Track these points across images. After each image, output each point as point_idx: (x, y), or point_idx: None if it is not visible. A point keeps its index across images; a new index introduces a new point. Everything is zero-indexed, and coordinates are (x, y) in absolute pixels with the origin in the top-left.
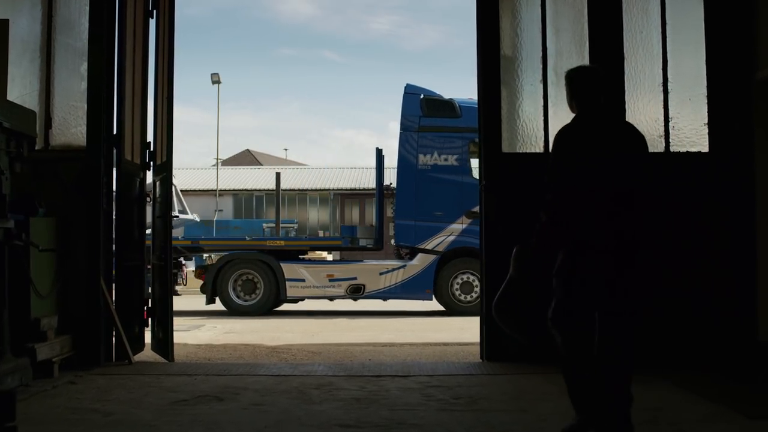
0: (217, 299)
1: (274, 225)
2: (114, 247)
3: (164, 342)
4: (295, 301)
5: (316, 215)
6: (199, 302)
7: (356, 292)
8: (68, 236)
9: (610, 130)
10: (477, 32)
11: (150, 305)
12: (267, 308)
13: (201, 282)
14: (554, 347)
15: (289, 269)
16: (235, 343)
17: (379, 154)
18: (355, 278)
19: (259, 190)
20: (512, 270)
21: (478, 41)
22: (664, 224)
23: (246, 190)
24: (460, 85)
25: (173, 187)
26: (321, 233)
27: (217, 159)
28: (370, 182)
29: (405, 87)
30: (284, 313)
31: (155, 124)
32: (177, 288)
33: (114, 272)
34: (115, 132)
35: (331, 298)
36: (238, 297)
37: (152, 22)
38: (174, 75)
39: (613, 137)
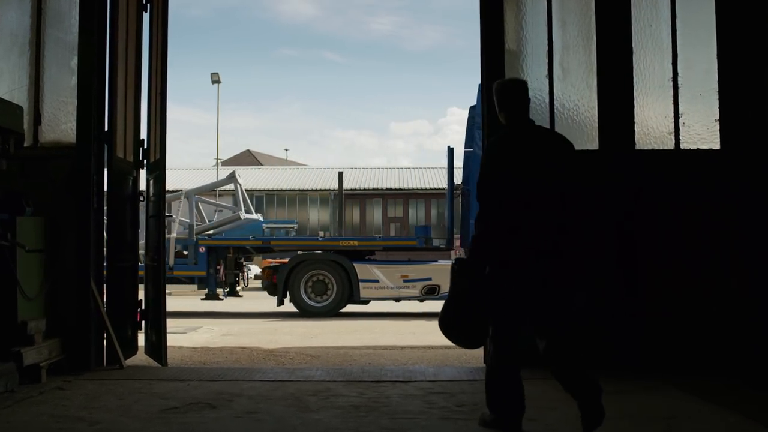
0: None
1: (274, 225)
2: (105, 248)
3: (157, 345)
4: (366, 302)
5: (316, 215)
6: (199, 303)
7: (431, 293)
8: (57, 236)
9: (539, 140)
10: (480, 25)
11: (144, 307)
12: (338, 309)
13: (266, 283)
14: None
15: (362, 270)
16: (231, 346)
17: (451, 153)
18: (429, 279)
19: (259, 190)
20: (451, 285)
21: (482, 35)
22: (674, 224)
23: (246, 190)
24: (462, 85)
25: (238, 186)
26: (321, 234)
27: (216, 159)
28: (371, 182)
29: (479, 86)
30: (282, 315)
31: (149, 121)
32: (238, 290)
33: (106, 273)
34: (106, 129)
35: (398, 299)
36: (309, 298)
37: (146, 17)
38: (168, 70)
39: (543, 146)
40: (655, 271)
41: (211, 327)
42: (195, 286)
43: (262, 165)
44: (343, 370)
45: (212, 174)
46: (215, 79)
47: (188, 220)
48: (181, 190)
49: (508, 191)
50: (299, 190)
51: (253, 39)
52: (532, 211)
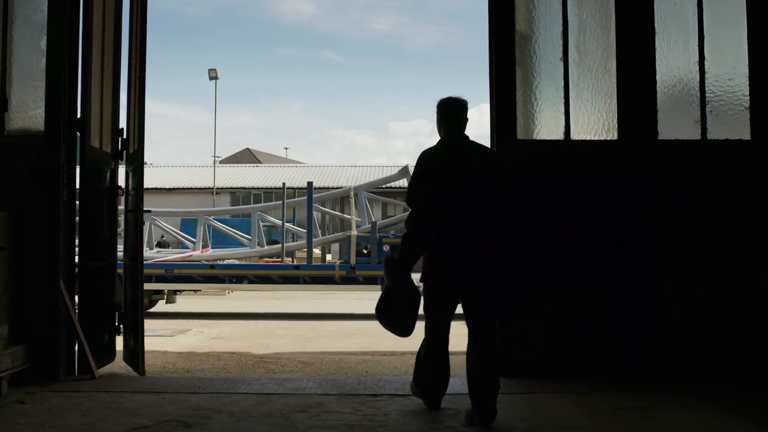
0: None
1: (268, 224)
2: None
3: (135, 352)
4: None
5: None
6: (192, 303)
7: None
8: (23, 232)
9: (469, 155)
10: (488, 5)
11: (123, 310)
12: None
13: None
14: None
15: None
16: (219, 351)
17: None
18: None
19: (257, 188)
20: (386, 278)
21: (490, 15)
22: (700, 221)
23: (243, 188)
24: (462, 85)
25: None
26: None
27: (214, 156)
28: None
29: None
30: (277, 316)
31: (128, 108)
32: None
33: (78, 274)
34: (79, 115)
35: None
36: None
37: None
38: (147, 52)
39: (471, 161)
40: (677, 272)
41: (202, 329)
42: (378, 287)
43: (261, 163)
44: (337, 381)
45: (210, 171)
46: (213, 76)
47: (358, 218)
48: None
49: (436, 198)
50: (297, 188)
51: (254, 38)
52: (458, 216)
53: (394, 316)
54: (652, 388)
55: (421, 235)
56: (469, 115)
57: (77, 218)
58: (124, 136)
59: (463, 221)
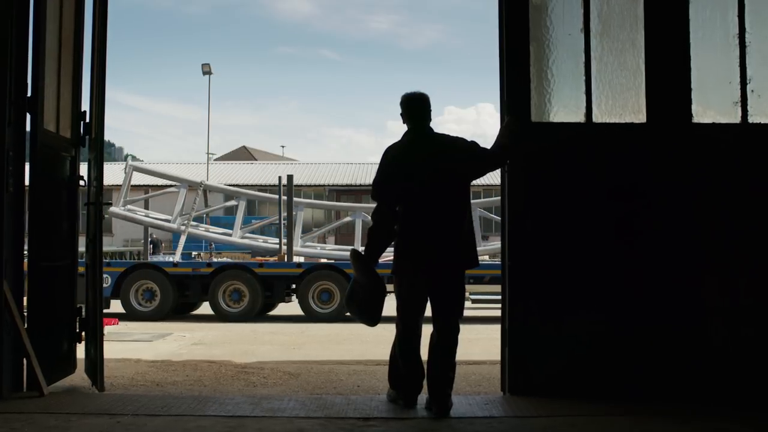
0: None
1: (262, 221)
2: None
3: (95, 363)
4: None
5: (310, 212)
6: None
7: None
8: None
9: (433, 147)
10: None
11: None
12: None
13: None
14: None
15: None
16: (197, 360)
17: None
18: None
19: (251, 185)
20: (354, 271)
21: None
22: (738, 216)
23: (237, 185)
24: (459, 84)
25: None
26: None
27: (207, 153)
28: (367, 178)
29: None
30: (268, 318)
31: (91, 89)
32: None
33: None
34: (29, 93)
35: None
36: None
37: None
38: (107, 24)
39: (435, 152)
40: (714, 275)
41: (183, 333)
42: None
43: (256, 161)
44: (323, 400)
45: (203, 169)
46: (206, 71)
47: None
48: None
49: (402, 192)
50: (293, 185)
51: (251, 37)
52: (423, 206)
53: (361, 306)
54: (690, 409)
55: (385, 229)
56: (465, 114)
57: (25, 211)
58: (87, 120)
59: (428, 211)
